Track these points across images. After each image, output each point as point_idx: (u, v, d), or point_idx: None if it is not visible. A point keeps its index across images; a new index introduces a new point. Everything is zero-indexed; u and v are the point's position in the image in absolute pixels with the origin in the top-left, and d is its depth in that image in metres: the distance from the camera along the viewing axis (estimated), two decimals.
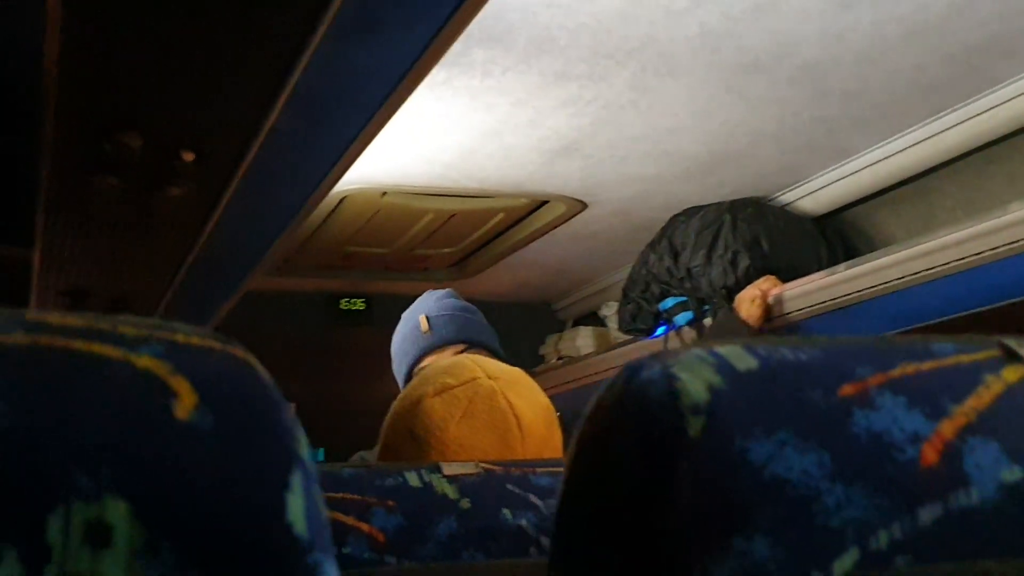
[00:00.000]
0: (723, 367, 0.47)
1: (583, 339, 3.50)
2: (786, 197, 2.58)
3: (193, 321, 0.47)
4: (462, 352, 2.01)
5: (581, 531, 0.50)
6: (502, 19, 1.63)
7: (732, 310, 2.43)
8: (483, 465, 1.15)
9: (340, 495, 1.08)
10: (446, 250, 3.11)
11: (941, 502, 0.46)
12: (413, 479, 1.11)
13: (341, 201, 2.58)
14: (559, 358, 3.56)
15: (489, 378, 1.30)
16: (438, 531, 1.08)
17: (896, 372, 0.49)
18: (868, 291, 2.16)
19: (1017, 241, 1.82)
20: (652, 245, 2.70)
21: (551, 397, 1.39)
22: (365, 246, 3.01)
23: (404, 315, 2.14)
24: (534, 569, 1.08)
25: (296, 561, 0.39)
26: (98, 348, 0.40)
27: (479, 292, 3.23)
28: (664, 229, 2.67)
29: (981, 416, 0.48)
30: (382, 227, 2.81)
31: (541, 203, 2.68)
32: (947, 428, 0.48)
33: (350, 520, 1.06)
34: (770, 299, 2.38)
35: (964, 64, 1.85)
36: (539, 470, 1.17)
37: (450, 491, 1.11)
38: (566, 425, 1.39)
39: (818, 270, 2.39)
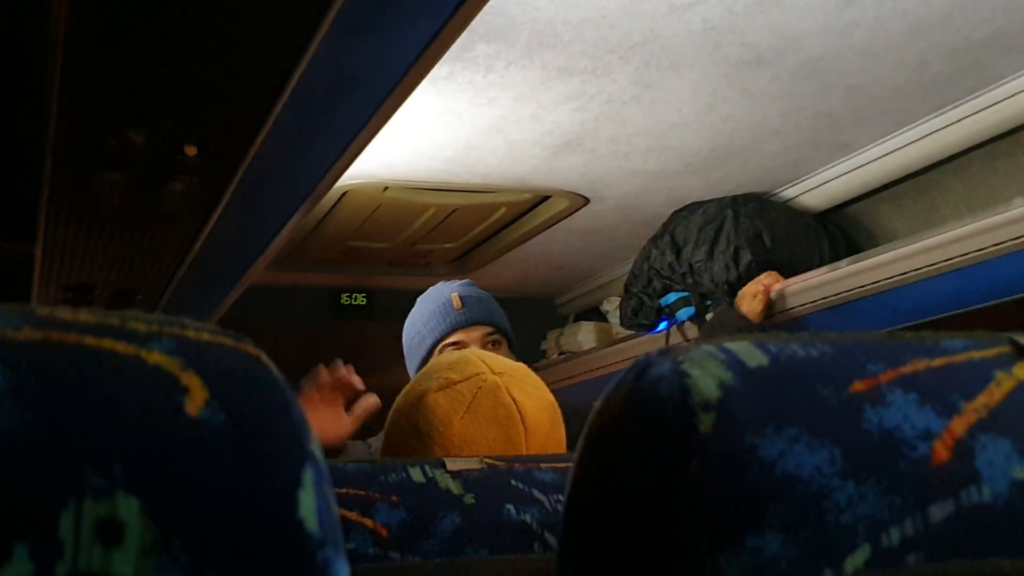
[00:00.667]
0: (734, 363, 0.47)
1: (585, 334, 3.50)
2: (788, 192, 2.58)
3: (195, 316, 0.47)
4: (490, 335, 2.03)
5: (590, 527, 0.50)
6: (505, 14, 1.63)
7: (732, 305, 2.43)
8: (487, 460, 1.15)
9: (344, 491, 1.08)
10: (448, 245, 3.11)
11: (953, 499, 0.46)
12: (417, 474, 1.11)
13: (343, 196, 2.57)
14: (560, 353, 3.56)
15: (493, 373, 1.30)
16: (442, 526, 1.08)
17: (907, 369, 0.49)
18: (870, 287, 2.16)
19: (1020, 237, 1.81)
20: (654, 240, 2.69)
21: (552, 392, 1.39)
22: (367, 241, 3.01)
23: (424, 297, 2.13)
24: (538, 565, 1.08)
25: (307, 558, 0.39)
26: (109, 344, 0.40)
27: (481, 287, 3.23)
28: (666, 224, 2.67)
29: (993, 413, 0.48)
30: (384, 222, 2.81)
31: (543, 198, 2.67)
32: (958, 425, 0.47)
33: (354, 516, 1.06)
34: (772, 294, 2.38)
35: (968, 59, 1.84)
36: (543, 466, 1.17)
37: (454, 487, 1.11)
38: (567, 420, 1.39)
39: (820, 265, 2.39)
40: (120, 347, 0.40)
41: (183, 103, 1.26)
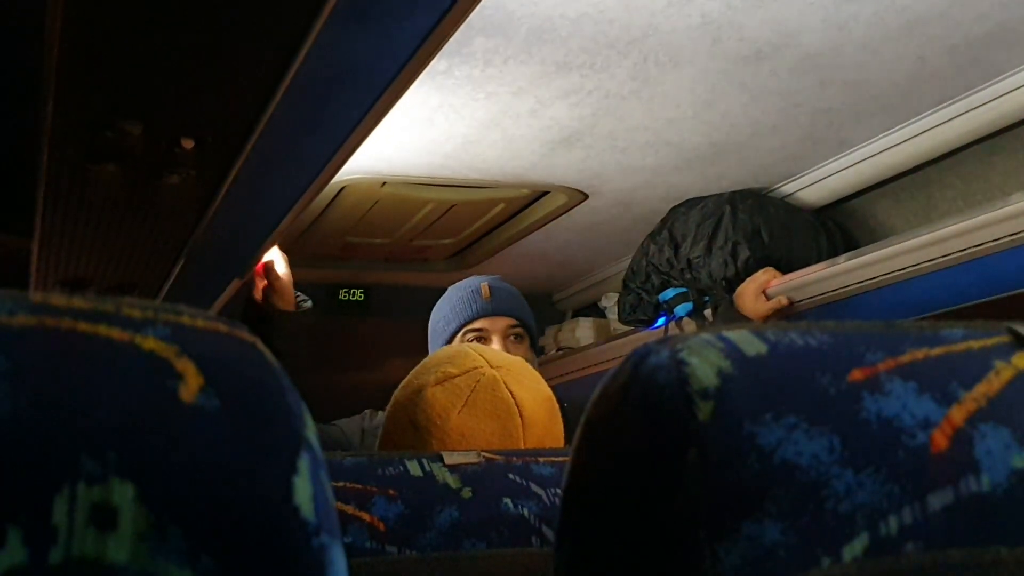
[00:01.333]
0: (732, 352, 0.47)
1: (583, 330, 3.50)
2: (787, 188, 2.58)
3: None
4: (513, 327, 2.07)
5: (587, 516, 0.50)
6: (503, 8, 1.62)
7: (732, 302, 2.43)
8: (485, 454, 1.15)
9: (341, 484, 1.08)
10: (446, 241, 3.10)
11: (952, 488, 0.46)
12: (414, 468, 1.11)
13: (340, 191, 2.57)
14: (559, 349, 3.56)
15: (491, 367, 1.30)
16: (439, 520, 1.08)
17: (906, 358, 0.49)
18: (868, 282, 2.16)
19: (1018, 232, 1.81)
20: (652, 236, 2.69)
21: (550, 388, 1.39)
22: (364, 236, 3.01)
23: (456, 285, 2.22)
24: (535, 558, 1.08)
25: (303, 544, 0.39)
26: (104, 330, 0.40)
27: None
28: (664, 220, 2.67)
29: (991, 402, 0.48)
30: (382, 217, 2.80)
31: (542, 193, 2.67)
32: (957, 414, 0.47)
33: (351, 509, 1.06)
34: (769, 290, 2.38)
35: (967, 55, 1.84)
36: (541, 459, 1.17)
37: (451, 480, 1.11)
38: (565, 415, 1.39)
39: (818, 261, 2.39)
40: (115, 333, 0.40)
41: (180, 95, 1.25)
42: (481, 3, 1.15)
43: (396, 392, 1.35)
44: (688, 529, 0.43)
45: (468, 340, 2.09)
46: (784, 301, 2.34)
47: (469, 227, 2.96)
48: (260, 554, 0.38)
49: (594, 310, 3.61)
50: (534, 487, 1.13)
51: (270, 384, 0.41)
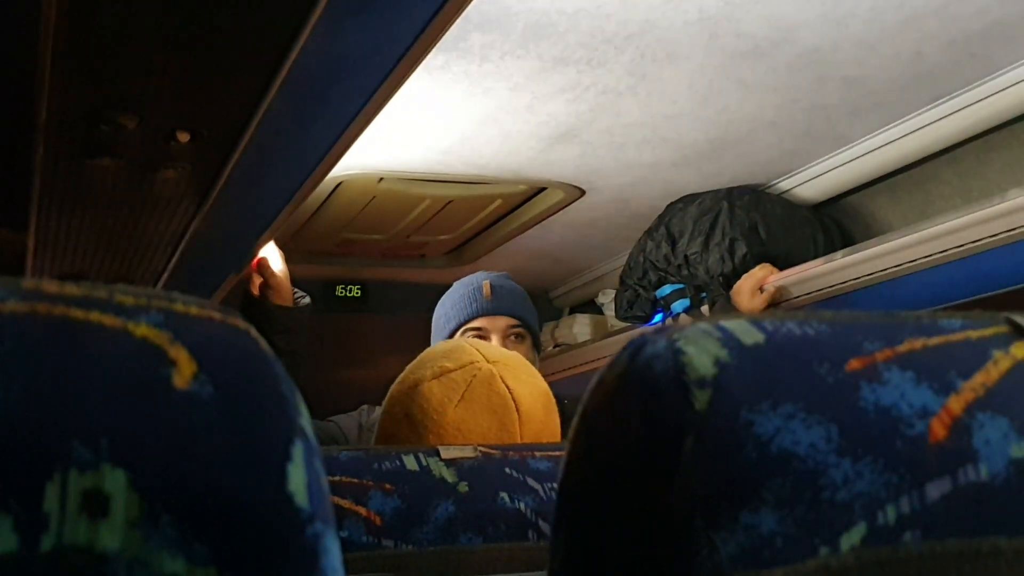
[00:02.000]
0: (729, 341, 0.47)
1: (580, 326, 3.50)
2: (784, 184, 2.57)
3: None
4: (514, 327, 2.07)
5: (584, 506, 0.50)
6: (500, 3, 1.62)
7: (730, 301, 2.43)
8: (481, 449, 1.15)
9: (337, 478, 1.07)
10: (443, 237, 3.10)
11: (950, 478, 0.45)
12: (411, 462, 1.11)
13: (337, 187, 2.56)
14: (556, 345, 3.56)
15: (488, 362, 1.30)
16: (436, 515, 1.08)
17: (904, 347, 0.49)
18: (865, 278, 2.16)
19: (1015, 229, 1.81)
20: (649, 232, 2.69)
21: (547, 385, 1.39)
22: (361, 232, 3.00)
23: (460, 281, 2.23)
24: (532, 553, 1.08)
25: (297, 532, 0.39)
26: (96, 317, 0.39)
27: None
28: (661, 216, 2.67)
29: (990, 392, 0.48)
30: (378, 213, 2.80)
31: (539, 190, 2.66)
32: (955, 404, 0.47)
33: (347, 503, 1.06)
34: (772, 291, 2.38)
35: (964, 50, 1.84)
36: (537, 454, 1.17)
37: (448, 475, 1.11)
38: (562, 412, 1.39)
39: (815, 257, 2.39)
40: (107, 320, 0.40)
41: (175, 89, 1.25)
42: None
43: (392, 387, 1.35)
44: (685, 519, 0.43)
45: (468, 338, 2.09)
46: (776, 296, 2.35)
47: (466, 223, 2.96)
48: (253, 541, 0.37)
49: (591, 307, 3.61)
50: (531, 481, 1.13)
51: (264, 371, 0.41)
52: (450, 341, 1.49)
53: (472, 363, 1.29)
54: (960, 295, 1.97)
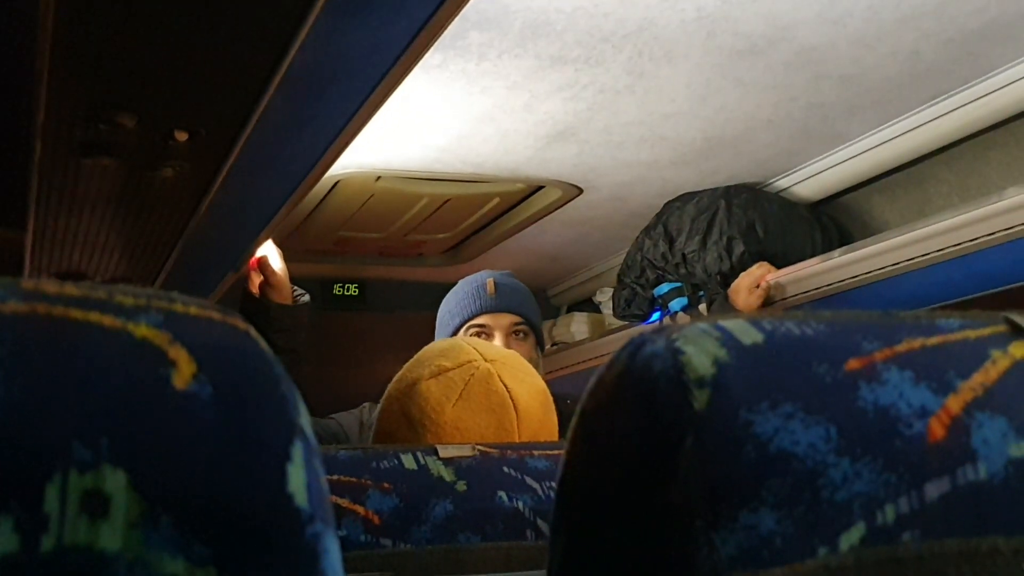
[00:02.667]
0: (728, 341, 0.47)
1: (578, 325, 3.50)
2: (781, 183, 2.58)
3: None
4: (517, 325, 2.08)
5: (583, 506, 0.50)
6: (498, 2, 1.62)
7: (728, 300, 2.43)
8: (479, 448, 1.15)
9: (335, 477, 1.07)
10: (441, 235, 3.10)
11: (948, 477, 0.45)
12: (409, 461, 1.11)
13: (335, 185, 2.56)
14: (553, 344, 3.56)
15: (485, 361, 1.30)
16: (434, 513, 1.08)
17: (902, 347, 0.49)
18: (863, 277, 2.16)
19: (1013, 227, 1.81)
20: (647, 231, 2.69)
21: (544, 383, 1.39)
22: (359, 231, 3.00)
23: (465, 279, 2.24)
24: (530, 552, 1.08)
25: (297, 532, 0.39)
26: (96, 317, 0.39)
27: None
28: (659, 215, 2.67)
29: (988, 391, 0.48)
30: (376, 212, 2.80)
31: (537, 188, 2.66)
32: (954, 403, 0.47)
33: (345, 503, 1.06)
34: (769, 288, 2.38)
35: (961, 49, 1.84)
36: (535, 453, 1.17)
37: (446, 473, 1.11)
38: (559, 410, 1.39)
39: (813, 256, 2.39)
40: (107, 320, 0.40)
41: (173, 88, 1.25)
42: None
43: (390, 386, 1.35)
44: (684, 518, 0.43)
45: (471, 336, 2.10)
46: (774, 294, 2.35)
47: (464, 222, 2.96)
48: (253, 542, 0.37)
49: (589, 305, 3.61)
50: (529, 480, 1.13)
51: (264, 371, 0.41)
52: (448, 340, 1.49)
53: (470, 362, 1.29)
54: (958, 293, 1.98)
